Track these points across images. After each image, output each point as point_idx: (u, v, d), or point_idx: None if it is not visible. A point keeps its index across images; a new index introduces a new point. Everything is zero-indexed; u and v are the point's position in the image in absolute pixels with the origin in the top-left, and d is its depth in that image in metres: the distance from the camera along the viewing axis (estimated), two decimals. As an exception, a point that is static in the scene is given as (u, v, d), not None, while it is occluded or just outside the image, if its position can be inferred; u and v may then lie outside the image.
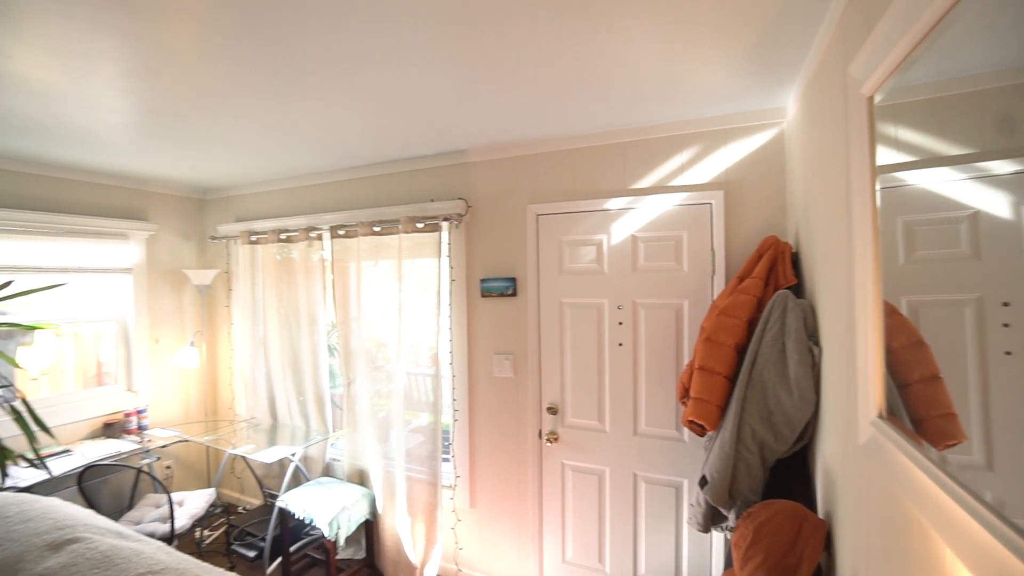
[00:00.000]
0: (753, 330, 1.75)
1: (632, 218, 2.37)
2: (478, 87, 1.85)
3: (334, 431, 3.26)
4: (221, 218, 3.71)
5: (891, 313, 0.92)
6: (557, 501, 2.57)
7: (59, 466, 2.61)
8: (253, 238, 3.38)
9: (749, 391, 1.66)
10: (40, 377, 3.15)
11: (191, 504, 2.85)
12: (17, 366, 2.55)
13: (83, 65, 1.63)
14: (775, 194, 2.12)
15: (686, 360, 2.27)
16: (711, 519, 1.87)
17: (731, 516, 1.74)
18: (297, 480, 3.06)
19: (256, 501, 3.62)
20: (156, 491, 3.08)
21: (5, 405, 2.35)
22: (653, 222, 2.33)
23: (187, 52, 1.56)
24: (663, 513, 2.35)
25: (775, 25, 1.43)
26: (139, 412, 3.26)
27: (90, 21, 1.36)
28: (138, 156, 2.76)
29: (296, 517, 2.71)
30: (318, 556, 3.03)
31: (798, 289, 1.81)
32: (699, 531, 1.94)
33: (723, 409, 1.76)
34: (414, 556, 2.76)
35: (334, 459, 3.21)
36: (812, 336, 1.60)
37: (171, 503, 2.58)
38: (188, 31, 1.44)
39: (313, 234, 3.11)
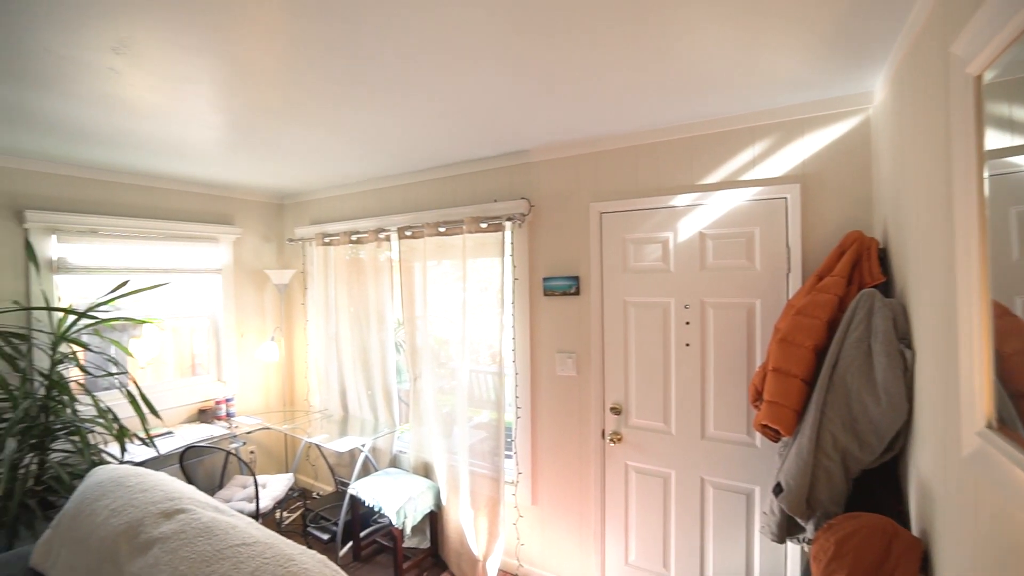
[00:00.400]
0: (834, 331, 1.65)
1: (700, 215, 2.29)
2: (543, 90, 1.87)
3: (400, 424, 3.40)
4: (298, 221, 3.96)
5: (1002, 315, 0.84)
6: (620, 502, 2.54)
7: (164, 445, 2.90)
8: (326, 240, 3.59)
9: (830, 396, 1.56)
10: (146, 367, 3.52)
11: (273, 487, 3.07)
12: (130, 355, 2.87)
13: (186, 87, 1.81)
14: (859, 186, 1.98)
15: (758, 362, 2.17)
16: (786, 529, 1.78)
17: (809, 527, 1.65)
18: (366, 470, 3.22)
19: (328, 488, 3.84)
20: (242, 473, 3.35)
21: (122, 389, 2.65)
22: (723, 218, 2.24)
23: (270, 71, 1.69)
24: (733, 520, 2.26)
25: (861, 3, 1.34)
26: (227, 400, 3.55)
27: (194, 48, 1.50)
28: (226, 166, 3.00)
29: (366, 504, 2.85)
30: (386, 543, 3.17)
31: (886, 288, 1.69)
32: (773, 541, 1.85)
33: (799, 413, 1.67)
34: (477, 549, 2.82)
35: (400, 451, 3.35)
36: (903, 338, 1.48)
37: (256, 485, 2.79)
38: (271, 51, 1.56)
39: (382, 235, 3.25)
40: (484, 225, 2.78)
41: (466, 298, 2.87)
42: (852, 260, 1.76)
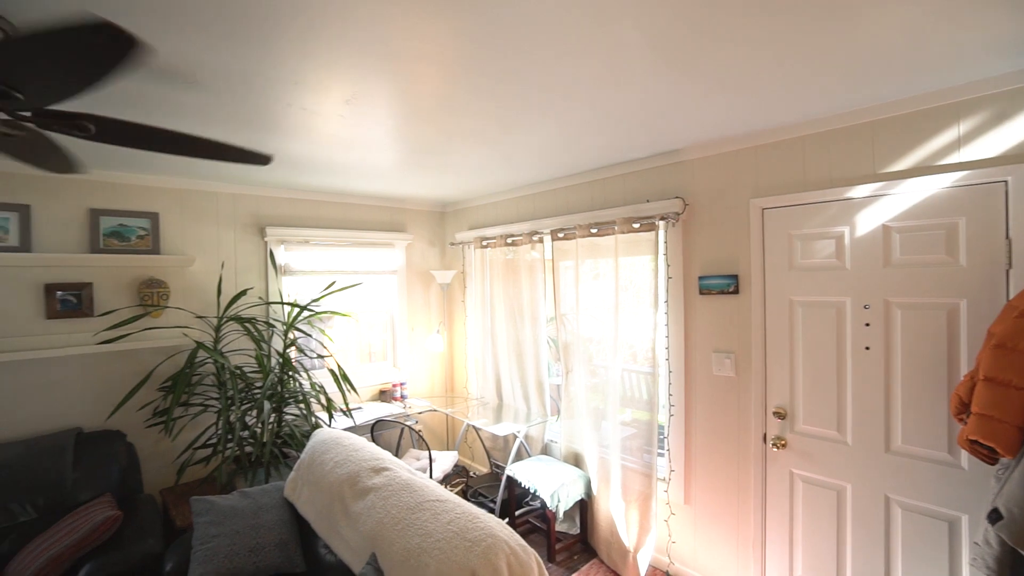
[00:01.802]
0: (1074, 336, 1.41)
1: (883, 206, 2.09)
2: (707, 89, 1.88)
3: (551, 415, 3.61)
4: (458, 227, 4.42)
5: None
6: (784, 512, 2.41)
7: (358, 417, 3.48)
8: (484, 243, 3.95)
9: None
10: (337, 353, 4.23)
11: (441, 462, 3.49)
12: (332, 340, 3.49)
13: (379, 122, 2.19)
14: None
15: (963, 370, 1.90)
16: (1008, 565, 1.55)
17: (1037, 562, 1.43)
18: (520, 455, 3.48)
19: (483, 469, 4.21)
20: (413, 447, 3.85)
21: (327, 368, 3.25)
22: (913, 209, 2.01)
23: (445, 102, 1.95)
24: (931, 549, 2.01)
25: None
26: (401, 384, 4.11)
27: (390, 94, 1.83)
28: (400, 182, 3.50)
29: (522, 485, 3.10)
30: (538, 524, 3.40)
31: None
32: None
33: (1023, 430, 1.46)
34: (627, 540, 2.90)
35: (551, 440, 3.55)
36: None
37: (430, 458, 3.21)
38: (446, 86, 1.80)
39: (535, 237, 3.50)
40: (636, 225, 2.84)
41: (618, 297, 2.96)
42: (1100, 252, 1.48)
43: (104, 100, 1.79)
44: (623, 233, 2.90)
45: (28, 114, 1.39)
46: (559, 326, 3.38)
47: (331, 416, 3.16)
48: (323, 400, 3.16)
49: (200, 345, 2.90)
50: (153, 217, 3.16)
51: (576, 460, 3.31)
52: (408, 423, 3.90)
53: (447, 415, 4.37)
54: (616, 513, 2.96)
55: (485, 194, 4.01)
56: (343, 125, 2.23)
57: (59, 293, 2.86)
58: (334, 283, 3.41)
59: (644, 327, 2.89)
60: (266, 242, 3.56)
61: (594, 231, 3.08)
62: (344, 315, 3.52)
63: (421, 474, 2.20)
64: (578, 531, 3.24)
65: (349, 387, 3.20)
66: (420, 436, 3.44)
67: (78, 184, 2.93)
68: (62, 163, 1.82)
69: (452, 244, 4.38)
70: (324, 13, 1.31)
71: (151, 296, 3.09)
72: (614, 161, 2.96)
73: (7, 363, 2.68)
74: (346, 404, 3.20)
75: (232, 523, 2.21)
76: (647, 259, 2.87)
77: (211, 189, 3.35)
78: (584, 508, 3.19)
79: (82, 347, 2.83)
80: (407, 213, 4.39)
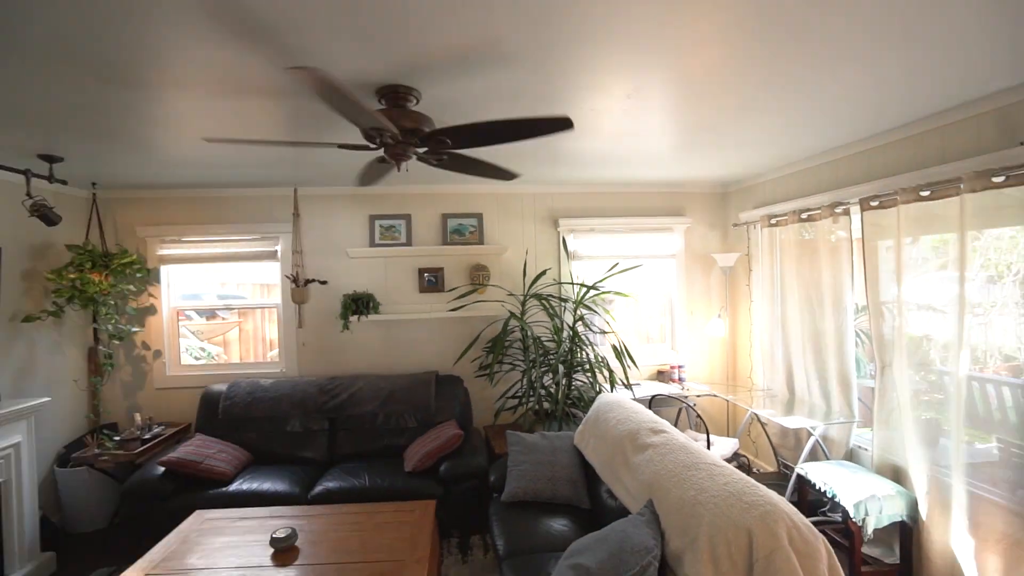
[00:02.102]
0: None
1: None
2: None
3: (859, 417, 3.05)
4: (741, 206, 4.15)
5: None
6: None
7: (637, 392, 3.70)
8: (772, 221, 3.61)
9: None
10: (615, 332, 4.53)
11: (719, 447, 3.39)
12: (614, 319, 3.80)
13: (656, 109, 2.28)
14: None
15: None
16: None
17: None
18: (815, 455, 3.07)
19: (768, 467, 3.86)
20: (691, 428, 3.84)
21: (610, 344, 3.56)
22: None
23: (725, 76, 1.89)
24: None
25: None
26: (679, 367, 4.13)
27: (667, 80, 1.91)
28: (678, 166, 3.51)
29: (816, 488, 2.74)
30: (838, 539, 2.94)
31: None
32: None
33: None
34: (977, 589, 2.24)
35: (859, 446, 3.02)
36: None
37: (708, 440, 3.17)
38: (726, 59, 1.74)
39: (838, 210, 3.01)
40: (1000, 179, 2.14)
41: (963, 284, 2.28)
42: None
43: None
44: (975, 192, 2.22)
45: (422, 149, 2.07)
46: (873, 318, 2.82)
47: (612, 386, 3.48)
48: (605, 371, 3.50)
49: (512, 315, 3.63)
50: (479, 217, 4.08)
51: (895, 474, 2.72)
52: (684, 405, 3.92)
53: (728, 402, 4.18)
54: (961, 552, 2.32)
55: (773, 168, 3.65)
56: (625, 118, 2.44)
57: (426, 275, 4.02)
58: (616, 264, 3.71)
59: (1012, 327, 2.16)
60: (558, 232, 4.14)
61: (925, 194, 2.46)
62: (624, 295, 3.79)
63: (696, 443, 2.24)
64: (897, 560, 2.67)
65: (631, 362, 3.45)
66: (699, 417, 3.43)
67: (435, 197, 4.05)
68: (499, 172, 2.47)
69: (735, 225, 4.15)
70: (607, 21, 1.51)
71: (478, 277, 4.01)
72: (955, 103, 2.30)
73: (399, 320, 3.96)
74: (626, 377, 3.46)
75: (535, 455, 2.72)
76: (1017, 230, 2.13)
77: (518, 192, 4.11)
78: (906, 533, 2.60)
79: (439, 313, 3.93)
80: (686, 196, 4.36)
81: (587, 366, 3.56)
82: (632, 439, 2.28)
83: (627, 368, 3.45)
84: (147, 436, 3.41)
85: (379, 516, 2.45)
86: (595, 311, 3.74)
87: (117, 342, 3.75)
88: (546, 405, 3.54)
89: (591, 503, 2.57)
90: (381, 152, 2.09)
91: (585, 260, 4.19)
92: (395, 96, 1.98)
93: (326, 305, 3.95)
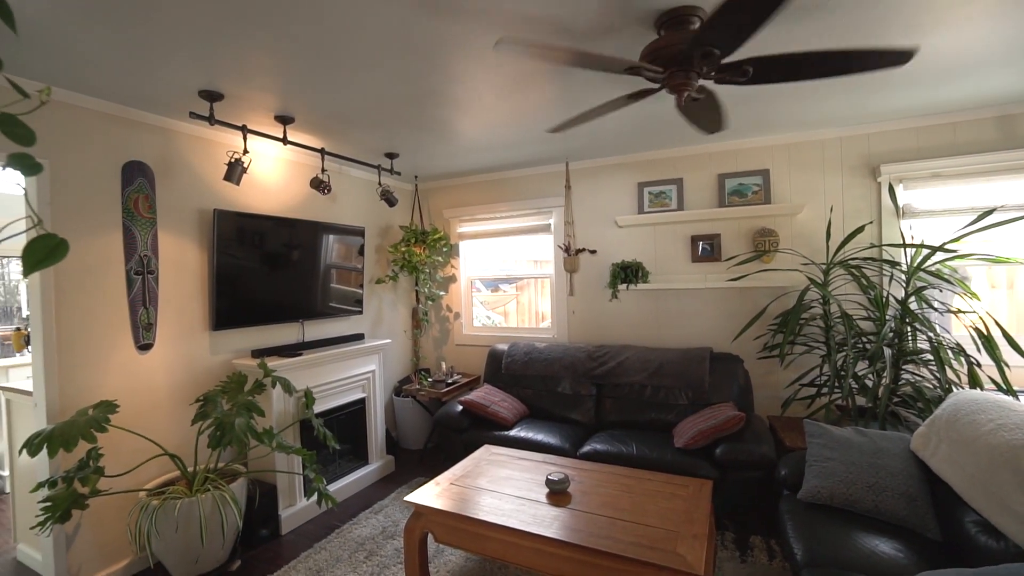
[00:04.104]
0: None
1: None
2: None
3: None
4: None
5: None
6: None
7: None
8: None
9: None
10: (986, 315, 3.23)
11: None
12: (976, 297, 2.70)
13: None
14: None
15: None
16: None
17: None
18: None
19: None
20: None
21: (968, 328, 2.55)
22: None
23: None
24: None
25: None
26: (1105, 374, 2.69)
27: None
28: None
29: None
30: None
31: None
32: None
33: None
34: None
35: None
36: None
37: None
38: None
39: None
40: None
41: None
42: None
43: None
44: None
45: (712, 72, 1.82)
46: None
47: (975, 384, 2.48)
48: (961, 363, 2.52)
49: (813, 282, 2.97)
50: (764, 174, 3.48)
51: None
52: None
53: None
54: None
55: None
56: None
57: (700, 243, 3.66)
58: (993, 211, 2.62)
59: None
60: (879, 182, 3.19)
61: None
62: (1004, 260, 2.65)
63: None
64: None
65: (1018, 354, 2.40)
66: None
67: (710, 157, 3.64)
68: (714, 123, 2.26)
69: None
70: None
71: (763, 243, 3.43)
72: None
73: (669, 290, 3.72)
74: (1002, 378, 2.42)
75: (847, 453, 2.13)
76: None
77: (817, 138, 3.33)
78: None
79: (714, 283, 3.53)
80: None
81: (927, 355, 2.63)
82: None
83: (1004, 365, 2.41)
84: (450, 380, 4.09)
85: (649, 483, 2.30)
86: (946, 282, 2.72)
87: (430, 303, 4.62)
88: (860, 400, 2.77)
89: (942, 533, 1.86)
90: (662, 90, 1.93)
91: (923, 217, 3.13)
92: (676, 18, 1.78)
93: (594, 275, 4.01)
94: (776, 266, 3.38)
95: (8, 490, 2.87)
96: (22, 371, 3.71)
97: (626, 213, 3.89)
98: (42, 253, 0.62)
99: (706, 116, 2.21)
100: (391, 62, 2.09)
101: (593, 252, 3.96)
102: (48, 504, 2.07)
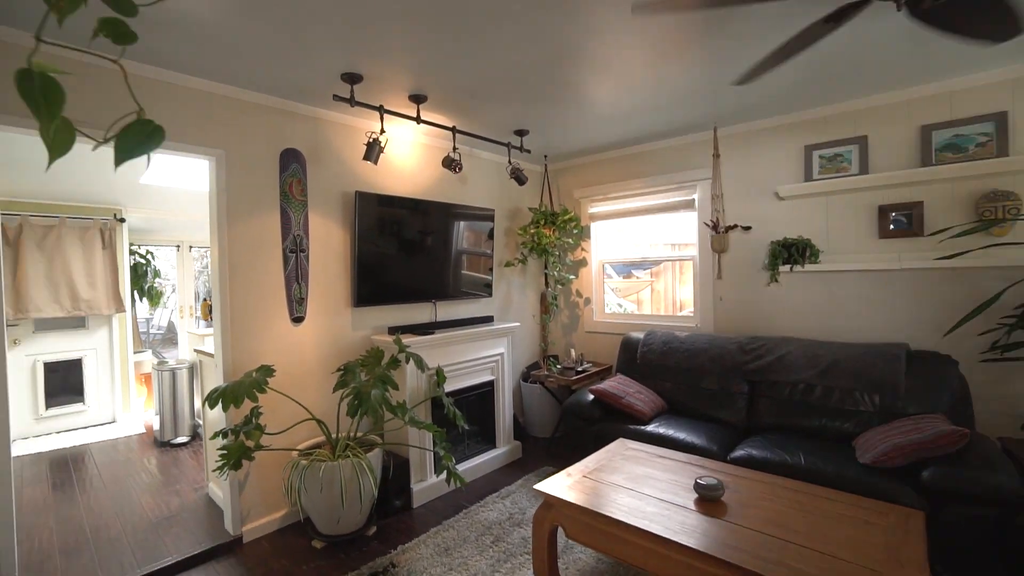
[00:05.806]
0: None
1: None
2: None
3: None
4: None
5: None
6: None
7: None
8: None
9: None
10: None
11: None
12: None
13: None
14: None
15: None
16: None
17: None
18: None
19: None
20: None
21: None
22: None
23: None
24: None
25: None
26: None
27: None
28: None
29: None
30: None
31: None
32: None
33: None
34: None
35: None
36: None
37: None
38: None
39: None
40: None
41: None
42: None
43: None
44: None
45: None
46: None
47: None
48: None
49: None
50: (998, 118, 2.65)
51: None
52: None
53: None
54: None
55: None
56: None
57: (892, 214, 2.93)
58: None
59: None
60: None
61: None
62: None
63: None
64: None
65: None
66: None
67: (908, 105, 2.88)
68: (1003, 19, 1.60)
69: None
70: None
71: (994, 211, 2.62)
72: None
73: (846, 272, 3.06)
74: None
75: None
76: None
77: (1088, 62, 2.43)
78: None
79: (913, 263, 2.80)
80: None
81: None
82: None
83: None
84: (579, 368, 3.87)
85: (827, 503, 1.85)
86: None
87: (560, 287, 4.44)
88: None
89: None
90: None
91: None
92: None
93: (747, 255, 3.47)
94: (1016, 238, 2.56)
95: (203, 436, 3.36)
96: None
97: (789, 182, 3.28)
98: (140, 137, 0.56)
99: (979, 15, 1.56)
100: (524, 14, 1.92)
101: (747, 229, 3.43)
102: (223, 452, 2.32)
